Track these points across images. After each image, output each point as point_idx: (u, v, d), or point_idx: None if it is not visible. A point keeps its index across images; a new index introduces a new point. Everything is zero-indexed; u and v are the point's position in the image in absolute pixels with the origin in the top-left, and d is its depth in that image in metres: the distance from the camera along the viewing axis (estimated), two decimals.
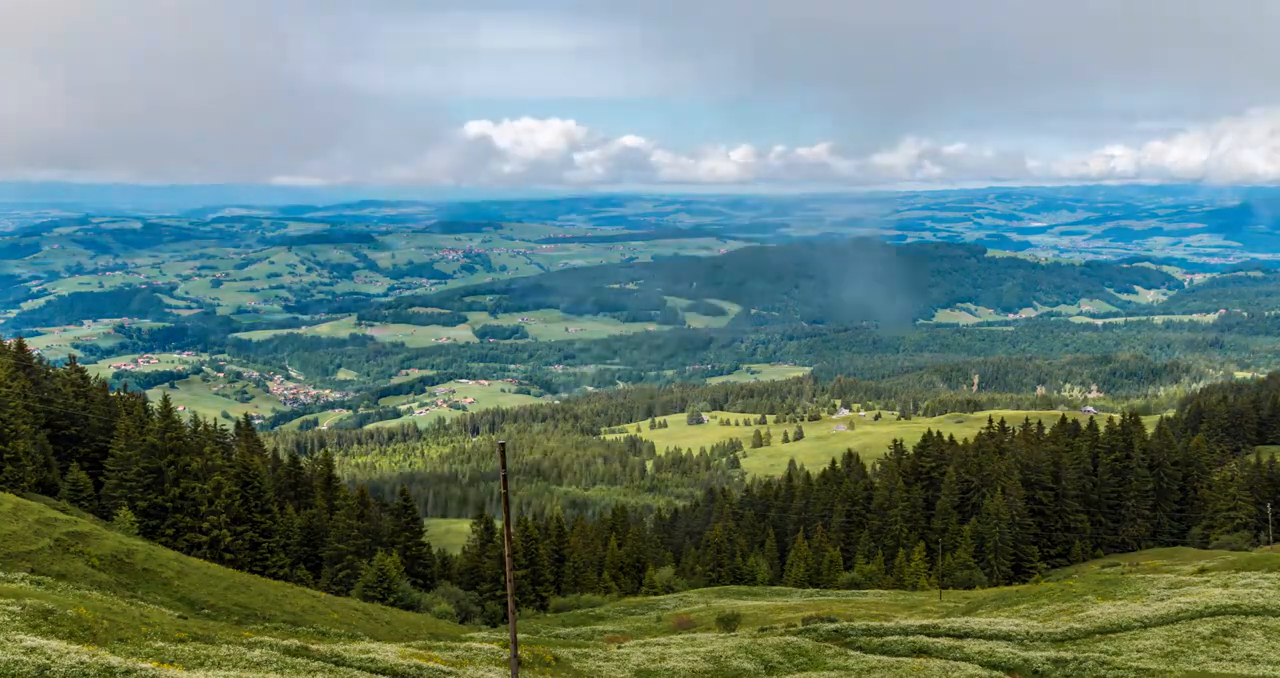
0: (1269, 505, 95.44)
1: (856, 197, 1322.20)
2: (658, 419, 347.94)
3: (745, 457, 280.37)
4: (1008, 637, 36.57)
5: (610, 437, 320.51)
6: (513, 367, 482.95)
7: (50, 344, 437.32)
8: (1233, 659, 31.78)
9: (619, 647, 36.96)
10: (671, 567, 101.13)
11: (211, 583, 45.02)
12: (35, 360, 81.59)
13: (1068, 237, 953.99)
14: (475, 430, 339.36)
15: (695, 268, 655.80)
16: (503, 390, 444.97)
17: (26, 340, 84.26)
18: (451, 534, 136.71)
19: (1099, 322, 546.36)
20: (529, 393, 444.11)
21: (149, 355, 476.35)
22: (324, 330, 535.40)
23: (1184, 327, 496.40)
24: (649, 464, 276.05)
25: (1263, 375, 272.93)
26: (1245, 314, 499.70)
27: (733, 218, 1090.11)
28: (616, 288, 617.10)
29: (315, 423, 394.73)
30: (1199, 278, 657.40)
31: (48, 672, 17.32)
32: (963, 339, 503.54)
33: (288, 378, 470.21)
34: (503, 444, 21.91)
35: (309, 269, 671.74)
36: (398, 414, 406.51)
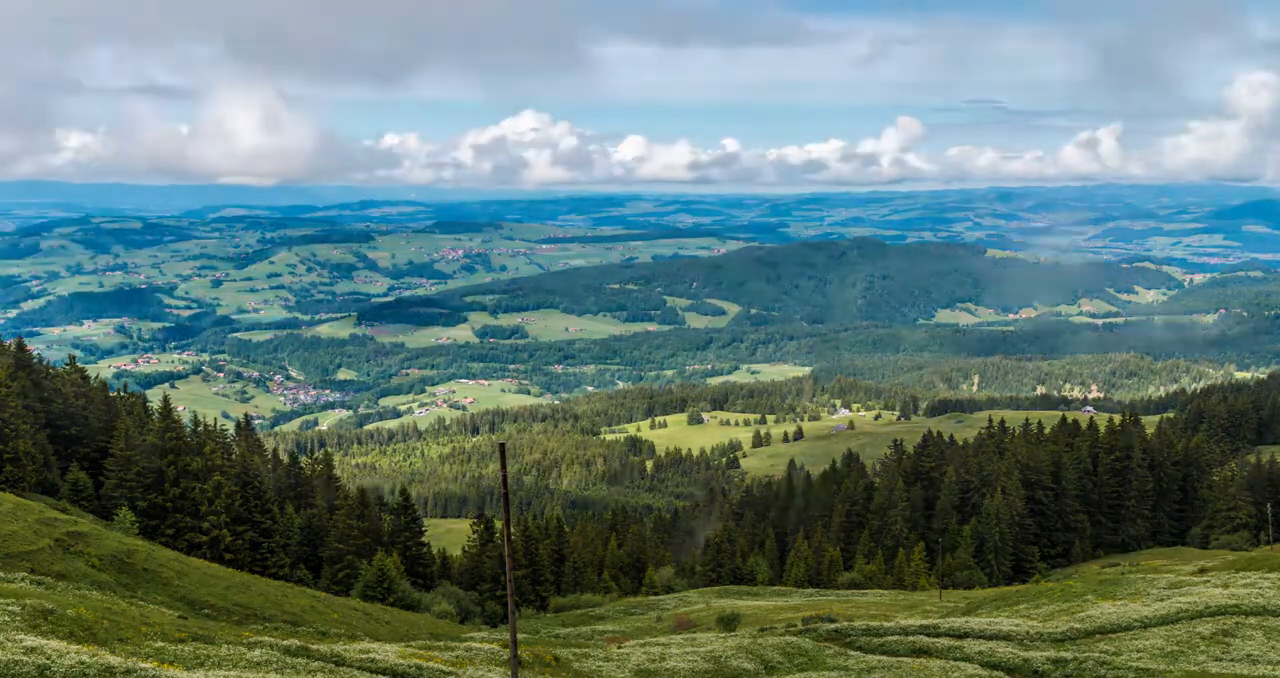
0: (1269, 506, 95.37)
1: (856, 197, 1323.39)
2: (658, 419, 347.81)
3: (745, 457, 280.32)
4: (1008, 637, 36.56)
5: (610, 437, 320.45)
6: (513, 367, 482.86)
7: (50, 344, 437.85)
8: (1233, 659, 31.77)
9: (619, 647, 36.96)
10: (671, 567, 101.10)
11: (211, 583, 45.03)
12: (35, 360, 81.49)
13: (1068, 237, 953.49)
14: (475, 430, 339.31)
15: (695, 268, 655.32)
16: (503, 390, 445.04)
17: (26, 340, 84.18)
18: (451, 534, 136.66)
19: (1099, 322, 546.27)
20: (529, 393, 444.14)
21: (149, 355, 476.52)
22: (324, 330, 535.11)
23: (1184, 327, 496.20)
24: (649, 464, 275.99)
25: (1263, 375, 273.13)
26: (1245, 314, 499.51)
27: (733, 218, 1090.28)
28: (616, 288, 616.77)
29: (315, 423, 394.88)
30: (1199, 278, 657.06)
31: (48, 672, 17.32)
32: (963, 339, 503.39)
33: (288, 378, 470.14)
34: (503, 444, 21.92)
35: (309, 269, 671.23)
36: (398, 414, 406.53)
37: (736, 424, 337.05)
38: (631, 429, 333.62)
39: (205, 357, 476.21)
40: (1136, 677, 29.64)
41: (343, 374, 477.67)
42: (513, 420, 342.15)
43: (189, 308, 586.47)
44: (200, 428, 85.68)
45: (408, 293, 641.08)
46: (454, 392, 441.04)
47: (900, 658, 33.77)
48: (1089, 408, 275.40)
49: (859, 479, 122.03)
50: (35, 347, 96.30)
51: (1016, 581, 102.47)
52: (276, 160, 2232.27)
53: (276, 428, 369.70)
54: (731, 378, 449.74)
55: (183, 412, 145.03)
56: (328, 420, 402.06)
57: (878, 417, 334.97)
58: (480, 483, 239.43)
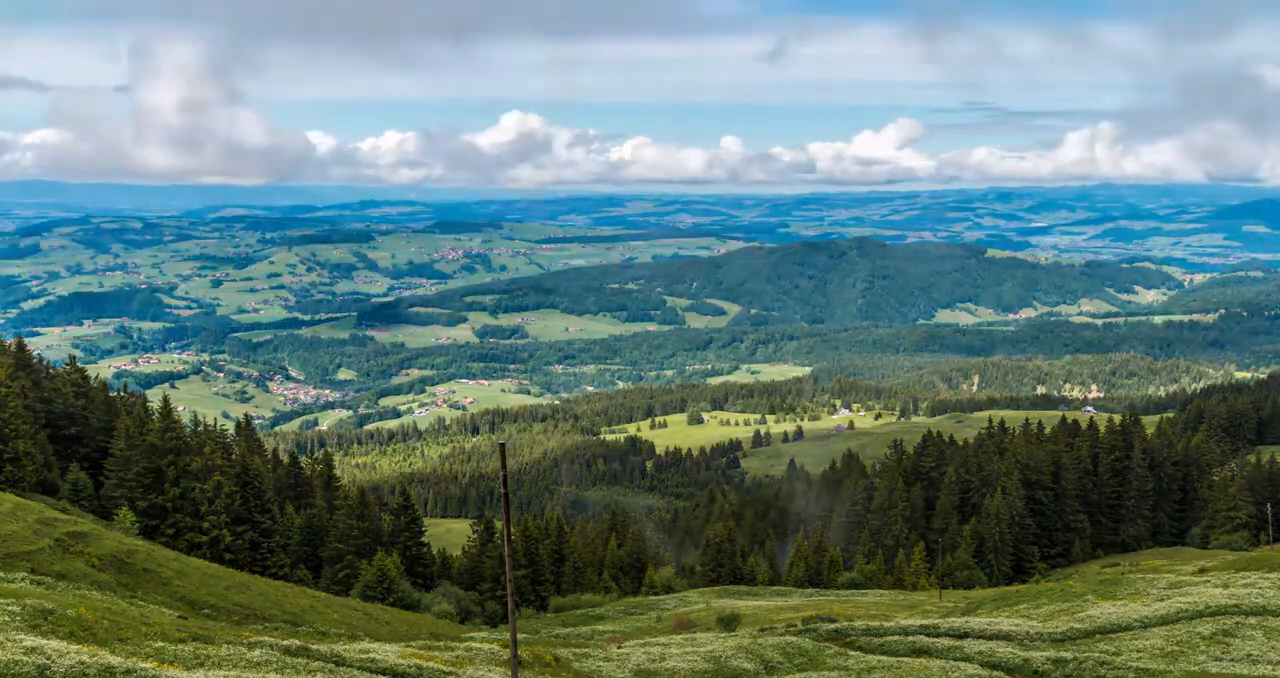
0: (1269, 506, 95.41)
1: (856, 197, 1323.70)
2: (658, 419, 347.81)
3: (745, 457, 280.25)
4: (1008, 637, 36.57)
5: (610, 437, 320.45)
6: (513, 367, 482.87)
7: (50, 344, 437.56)
8: (1233, 659, 31.78)
9: (619, 647, 36.95)
10: (671, 567, 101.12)
11: (211, 583, 45.03)
12: (35, 360, 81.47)
13: (1068, 236, 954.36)
14: (475, 430, 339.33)
15: (695, 268, 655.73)
16: (503, 390, 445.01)
17: (26, 340, 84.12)
18: (451, 534, 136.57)
19: (1099, 322, 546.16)
20: (529, 393, 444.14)
21: (149, 355, 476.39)
22: (324, 330, 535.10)
23: (1184, 327, 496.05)
24: (649, 464, 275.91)
25: (1263, 375, 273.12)
26: (1245, 314, 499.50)
27: (733, 218, 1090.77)
28: (616, 288, 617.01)
29: (315, 423, 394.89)
30: (1199, 278, 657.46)
31: (47, 672, 17.33)
32: (963, 339, 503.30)
33: (288, 378, 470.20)
34: (503, 444, 21.92)
35: (309, 269, 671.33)
36: (398, 414, 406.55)
37: (736, 424, 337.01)
38: (631, 429, 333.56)
39: (205, 357, 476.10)
40: (1137, 677, 29.64)
41: (343, 374, 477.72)
42: (513, 420, 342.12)
43: (189, 308, 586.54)
44: (200, 428, 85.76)
45: (408, 293, 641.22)
46: (454, 392, 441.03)
47: (900, 658, 33.75)
48: (1089, 408, 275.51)
49: (859, 479, 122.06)
50: (35, 347, 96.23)
51: (1016, 581, 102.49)
52: (255, 159, 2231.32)
53: (276, 428, 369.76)
54: (731, 378, 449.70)
55: (183, 412, 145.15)
56: (327, 420, 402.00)
57: (878, 417, 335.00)
58: (480, 483, 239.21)
